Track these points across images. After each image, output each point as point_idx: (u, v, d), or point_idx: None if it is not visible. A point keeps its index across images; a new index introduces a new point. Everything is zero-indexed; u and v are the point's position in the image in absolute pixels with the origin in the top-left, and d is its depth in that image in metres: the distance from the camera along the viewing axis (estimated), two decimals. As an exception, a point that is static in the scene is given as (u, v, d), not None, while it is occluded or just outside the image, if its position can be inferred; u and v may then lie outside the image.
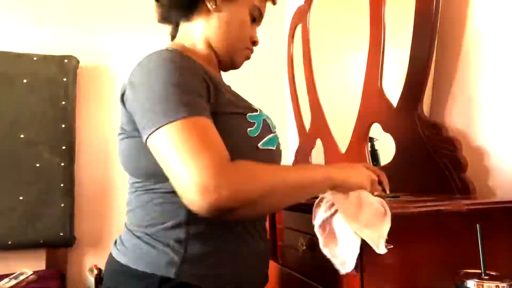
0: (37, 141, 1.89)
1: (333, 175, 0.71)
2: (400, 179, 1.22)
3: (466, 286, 0.64)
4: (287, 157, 2.41)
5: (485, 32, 1.08)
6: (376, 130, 1.37)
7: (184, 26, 0.86)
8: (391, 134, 1.27)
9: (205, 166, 0.57)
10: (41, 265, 1.88)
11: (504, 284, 0.62)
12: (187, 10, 0.83)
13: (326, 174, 0.71)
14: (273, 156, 0.78)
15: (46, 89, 1.94)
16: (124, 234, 0.78)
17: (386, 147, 1.29)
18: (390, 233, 0.70)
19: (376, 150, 1.44)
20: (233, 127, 0.72)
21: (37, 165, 1.87)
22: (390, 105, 1.28)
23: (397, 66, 1.29)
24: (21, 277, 1.61)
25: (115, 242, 0.79)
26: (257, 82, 2.41)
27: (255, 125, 0.75)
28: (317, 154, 1.88)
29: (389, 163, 1.28)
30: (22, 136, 1.88)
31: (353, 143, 1.51)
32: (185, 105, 0.63)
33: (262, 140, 0.75)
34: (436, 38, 1.10)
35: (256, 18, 0.87)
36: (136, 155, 0.73)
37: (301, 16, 2.03)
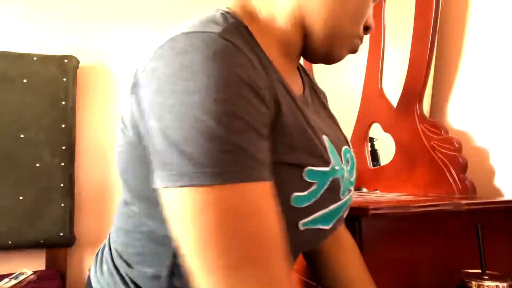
0: (37, 141, 1.89)
1: None
2: (400, 179, 1.22)
3: (466, 286, 0.65)
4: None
5: (485, 32, 1.08)
6: (376, 130, 1.37)
7: None
8: (391, 134, 1.27)
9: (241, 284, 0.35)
10: (41, 265, 1.88)
11: (504, 284, 0.63)
12: None
13: None
14: (317, 234, 0.51)
15: (46, 89, 1.94)
16: (106, 252, 0.61)
17: (386, 147, 1.29)
18: (390, 233, 0.70)
19: (376, 150, 1.44)
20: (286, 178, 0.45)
21: (37, 165, 1.87)
22: (390, 105, 1.28)
23: (397, 66, 1.29)
24: (21, 277, 1.61)
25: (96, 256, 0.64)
26: (257, 82, 2.41)
27: (313, 188, 0.47)
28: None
29: (389, 163, 1.28)
30: (22, 136, 1.88)
31: (353, 143, 1.51)
32: (226, 160, 0.37)
33: (311, 215, 0.48)
34: (436, 38, 1.10)
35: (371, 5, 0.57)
36: (132, 166, 0.51)
37: None
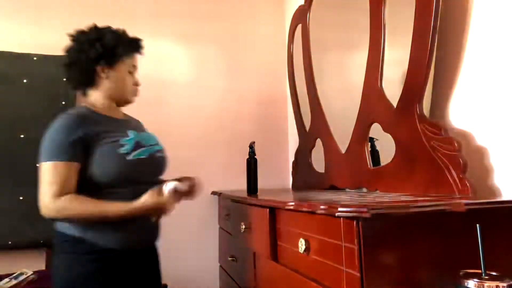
0: (37, 141, 1.87)
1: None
2: (400, 179, 1.22)
3: (466, 286, 0.65)
4: (287, 157, 2.41)
5: (485, 32, 1.08)
6: (376, 130, 1.37)
7: (90, 92, 1.29)
8: (391, 134, 1.27)
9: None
10: (41, 265, 1.88)
11: (504, 284, 0.63)
12: (90, 83, 1.27)
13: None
14: (143, 162, 1.20)
15: (46, 89, 1.94)
16: None
17: (386, 147, 1.29)
18: (390, 233, 0.70)
19: (377, 150, 1.44)
20: (106, 151, 1.15)
21: (37, 165, 1.87)
22: (390, 105, 1.28)
23: (397, 66, 1.29)
24: (21, 277, 1.61)
25: None
26: (257, 82, 2.42)
27: (127, 145, 1.18)
28: (317, 154, 1.88)
29: (389, 163, 1.28)
30: (22, 136, 1.88)
31: (353, 143, 1.51)
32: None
33: (132, 154, 1.17)
34: (436, 38, 1.10)
35: (133, 70, 1.33)
36: None
37: (301, 16, 2.03)
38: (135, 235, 1.18)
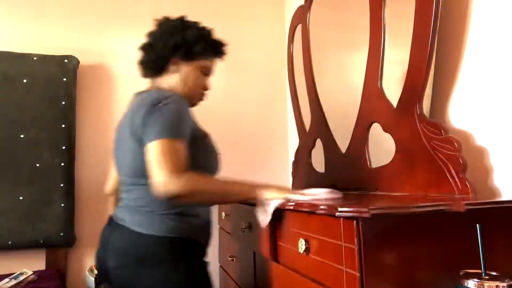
0: (37, 141, 1.90)
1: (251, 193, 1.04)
2: (400, 179, 1.22)
3: (466, 286, 0.65)
4: (288, 157, 2.41)
5: (485, 32, 1.08)
6: (376, 130, 1.37)
7: (158, 80, 1.22)
8: (391, 134, 1.27)
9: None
10: (41, 265, 1.88)
11: (504, 284, 0.63)
12: (159, 71, 1.20)
13: (246, 189, 1.04)
14: (219, 160, 1.21)
15: (46, 89, 1.94)
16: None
17: (386, 147, 1.29)
18: (390, 233, 0.70)
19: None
20: (207, 143, 1.17)
21: (37, 165, 1.88)
22: (390, 105, 1.28)
23: (397, 66, 1.29)
24: (21, 277, 1.62)
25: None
26: (257, 82, 2.42)
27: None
28: (317, 154, 1.88)
29: (389, 163, 1.28)
30: (22, 136, 1.88)
31: (353, 143, 1.51)
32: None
33: (217, 151, 1.20)
34: (436, 38, 1.10)
35: (207, 73, 1.24)
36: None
37: (301, 16, 2.03)
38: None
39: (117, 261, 1.04)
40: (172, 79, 1.19)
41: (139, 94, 1.20)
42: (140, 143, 1.03)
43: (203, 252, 1.13)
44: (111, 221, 1.14)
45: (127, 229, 1.06)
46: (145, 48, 1.23)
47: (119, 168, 1.17)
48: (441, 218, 0.78)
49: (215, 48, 1.24)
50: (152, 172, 0.96)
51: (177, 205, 1.05)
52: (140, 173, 1.05)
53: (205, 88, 1.25)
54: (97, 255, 1.13)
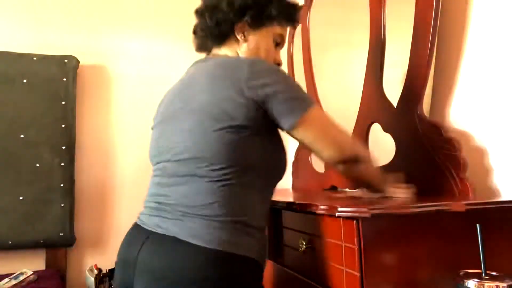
0: (37, 141, 1.89)
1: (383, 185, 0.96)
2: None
3: (466, 286, 0.65)
4: (288, 157, 2.41)
5: (485, 32, 1.08)
6: (376, 130, 1.37)
7: (216, 51, 0.99)
8: (391, 134, 1.27)
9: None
10: (41, 265, 1.88)
11: (504, 284, 0.63)
12: (220, 40, 0.97)
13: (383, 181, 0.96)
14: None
15: (46, 89, 1.94)
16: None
17: (386, 147, 1.29)
18: (390, 233, 0.70)
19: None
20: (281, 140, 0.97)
21: (37, 165, 1.87)
22: (390, 105, 1.28)
23: (397, 66, 1.29)
24: (21, 277, 1.61)
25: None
26: (257, 82, 2.41)
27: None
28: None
29: (389, 163, 1.28)
30: (22, 136, 1.88)
31: (353, 143, 1.51)
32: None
33: None
34: (436, 38, 1.10)
35: (279, 43, 1.00)
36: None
37: (301, 16, 2.03)
38: None
39: (153, 286, 0.73)
40: (236, 51, 0.95)
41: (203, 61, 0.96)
42: (226, 123, 0.77)
43: (261, 277, 0.82)
44: (138, 228, 0.84)
45: (169, 241, 0.75)
46: (202, 11, 0.98)
47: (166, 150, 0.85)
48: (441, 218, 0.78)
49: (291, 13, 0.99)
50: (324, 146, 0.80)
51: (244, 211, 0.78)
52: (210, 158, 0.77)
53: (278, 62, 1.00)
54: (119, 277, 0.82)
